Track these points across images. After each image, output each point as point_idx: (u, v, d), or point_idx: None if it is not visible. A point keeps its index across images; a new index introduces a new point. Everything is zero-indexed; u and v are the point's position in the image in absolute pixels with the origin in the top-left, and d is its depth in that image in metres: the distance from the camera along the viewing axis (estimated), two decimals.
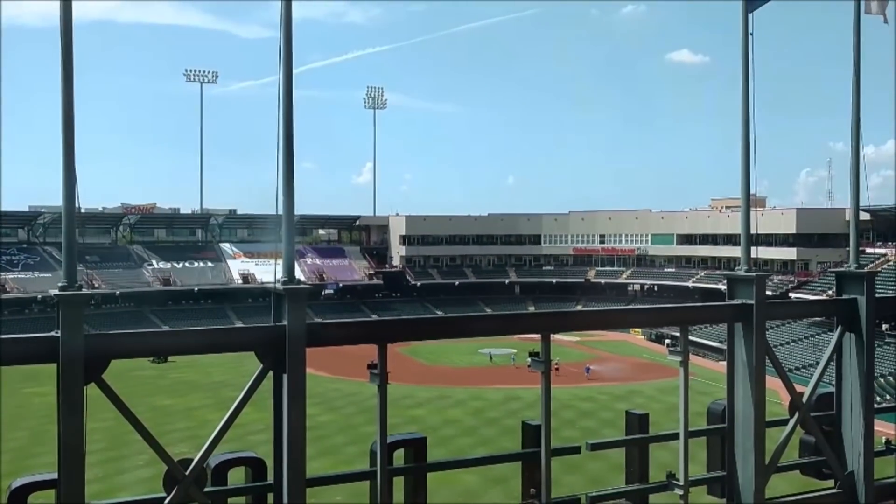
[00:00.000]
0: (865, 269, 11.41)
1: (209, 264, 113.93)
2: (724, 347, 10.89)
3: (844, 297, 11.36)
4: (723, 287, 11.34)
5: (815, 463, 11.36)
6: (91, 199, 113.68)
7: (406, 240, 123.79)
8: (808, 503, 11.29)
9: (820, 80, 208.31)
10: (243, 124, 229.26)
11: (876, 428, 11.22)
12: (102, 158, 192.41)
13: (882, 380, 50.28)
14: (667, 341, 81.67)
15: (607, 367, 76.32)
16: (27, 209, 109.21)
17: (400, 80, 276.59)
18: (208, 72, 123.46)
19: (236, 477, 8.39)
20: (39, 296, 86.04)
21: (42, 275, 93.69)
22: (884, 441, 12.09)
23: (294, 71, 8.14)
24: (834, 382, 11.45)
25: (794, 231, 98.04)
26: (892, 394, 46.12)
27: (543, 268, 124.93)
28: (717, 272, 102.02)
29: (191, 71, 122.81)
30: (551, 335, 9.44)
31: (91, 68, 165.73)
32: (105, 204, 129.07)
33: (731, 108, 10.77)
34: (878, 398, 12.94)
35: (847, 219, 75.03)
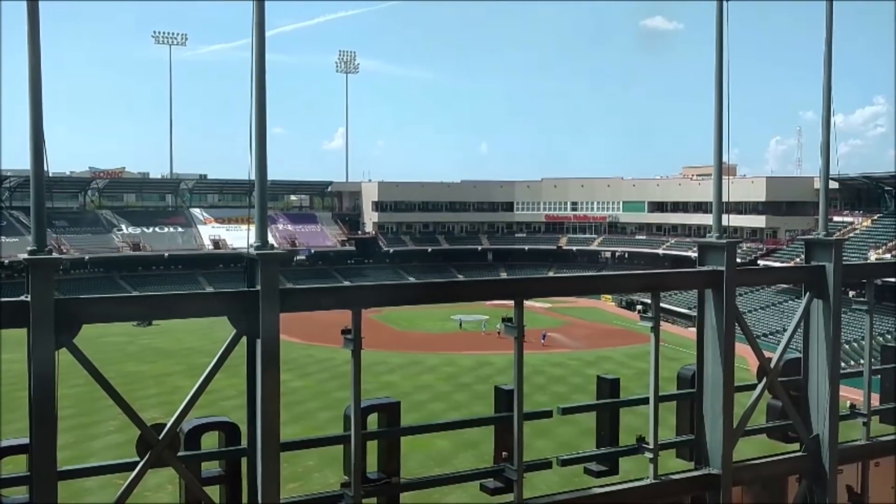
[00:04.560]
0: (833, 237, 11.56)
1: (179, 230, 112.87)
2: (694, 314, 11.01)
3: (813, 264, 11.52)
4: (693, 255, 11.44)
5: (782, 427, 11.58)
6: (58, 162, 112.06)
7: (378, 206, 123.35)
8: (774, 466, 11.51)
9: (791, 48, 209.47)
10: (214, 88, 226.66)
11: (841, 393, 11.44)
12: (70, 121, 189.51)
13: (848, 346, 51.16)
14: (638, 308, 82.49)
15: (575, 333, 76.88)
16: None
17: (372, 45, 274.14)
18: (177, 34, 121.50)
19: (210, 442, 8.40)
20: (6, 261, 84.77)
21: (9, 239, 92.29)
22: (849, 405, 12.33)
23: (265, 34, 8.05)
24: (801, 348, 11.64)
25: (763, 199, 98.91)
26: (856, 360, 46.96)
27: (516, 235, 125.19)
28: (688, 239, 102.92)
29: (159, 33, 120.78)
30: (524, 301, 9.49)
31: (57, 28, 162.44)
32: (73, 168, 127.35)
33: (704, 76, 10.79)
34: (843, 364, 13.24)
35: (816, 187, 75.75)
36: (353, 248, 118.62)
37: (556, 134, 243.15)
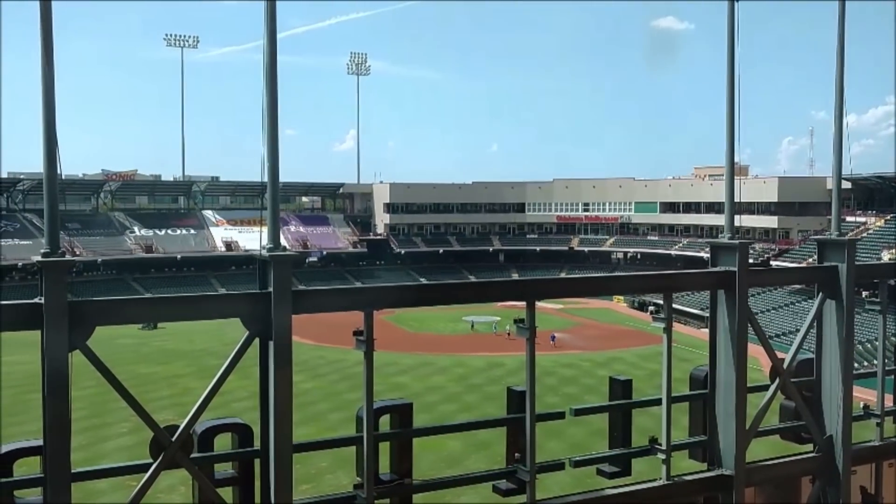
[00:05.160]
0: (846, 237, 11.50)
1: (192, 232, 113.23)
2: (706, 315, 10.99)
3: (826, 264, 11.46)
4: (705, 255, 11.44)
5: (795, 427, 11.53)
6: (71, 165, 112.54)
7: (390, 207, 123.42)
8: (787, 467, 11.46)
9: (803, 48, 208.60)
10: (225, 90, 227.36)
11: (854, 393, 11.38)
12: (82, 124, 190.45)
13: (861, 346, 50.88)
14: (650, 308, 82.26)
15: (587, 334, 76.75)
16: (6, 175, 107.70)
17: (384, 47, 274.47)
18: (189, 37, 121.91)
19: (222, 443, 8.42)
20: (20, 263, 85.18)
21: (22, 242, 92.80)
22: (862, 406, 12.26)
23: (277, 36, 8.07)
24: (814, 349, 11.58)
25: (775, 199, 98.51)
26: (869, 360, 46.69)
27: (527, 236, 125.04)
28: (700, 240, 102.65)
29: (171, 36, 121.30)
30: (536, 302, 9.47)
31: (69, 31, 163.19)
32: (85, 170, 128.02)
33: (716, 76, 10.77)
34: (856, 364, 13.10)
35: (828, 187, 75.47)
36: (364, 249, 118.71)
37: (567, 134, 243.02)
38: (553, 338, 68.50)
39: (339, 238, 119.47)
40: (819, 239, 11.89)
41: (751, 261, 10.61)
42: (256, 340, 7.99)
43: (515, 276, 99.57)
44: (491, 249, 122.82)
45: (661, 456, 10.24)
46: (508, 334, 69.01)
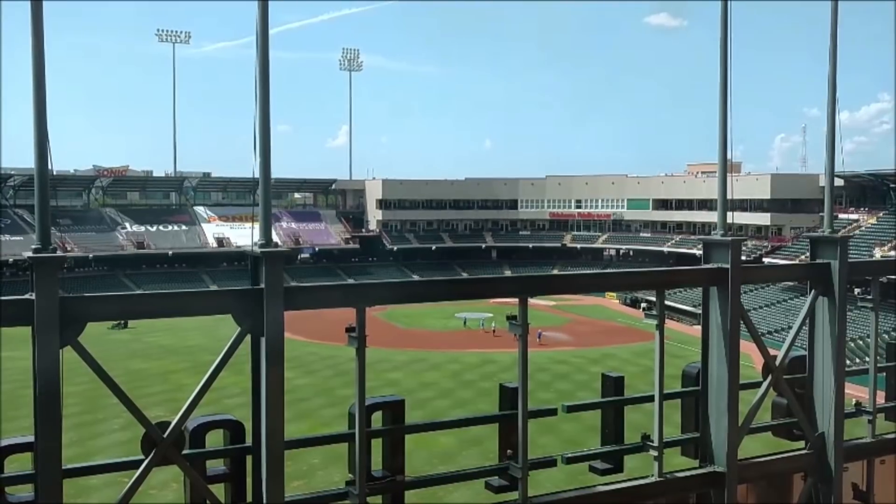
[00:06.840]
0: (839, 235, 11.52)
1: (183, 228, 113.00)
2: (698, 312, 10.99)
3: (818, 261, 11.48)
4: (697, 252, 11.45)
5: (787, 424, 11.56)
6: (62, 160, 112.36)
7: (382, 204, 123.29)
8: (779, 463, 11.49)
9: (797, 44, 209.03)
10: (218, 86, 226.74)
11: (846, 391, 11.41)
12: (74, 120, 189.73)
13: (853, 343, 51.03)
14: (642, 305, 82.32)
15: (580, 331, 76.80)
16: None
17: (376, 42, 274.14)
18: (181, 32, 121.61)
19: (214, 440, 8.40)
20: (11, 259, 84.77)
21: (13, 238, 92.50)
22: (854, 403, 12.30)
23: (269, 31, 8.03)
24: (806, 346, 11.60)
25: (768, 196, 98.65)
26: (861, 357, 46.85)
27: (520, 232, 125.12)
28: (693, 237, 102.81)
29: (163, 31, 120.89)
30: (529, 299, 9.47)
31: (61, 27, 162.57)
32: (77, 166, 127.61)
33: (709, 73, 10.78)
34: (848, 361, 13.10)
35: (821, 184, 75.71)
36: (357, 246, 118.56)
37: (560, 131, 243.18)
38: (540, 335, 68.35)
39: (331, 234, 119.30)
40: (811, 236, 11.91)
41: (743, 258, 10.62)
42: (248, 337, 7.98)
43: (508, 273, 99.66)
44: (483, 246, 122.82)
45: (654, 453, 10.25)
46: (493, 331, 69.19)
